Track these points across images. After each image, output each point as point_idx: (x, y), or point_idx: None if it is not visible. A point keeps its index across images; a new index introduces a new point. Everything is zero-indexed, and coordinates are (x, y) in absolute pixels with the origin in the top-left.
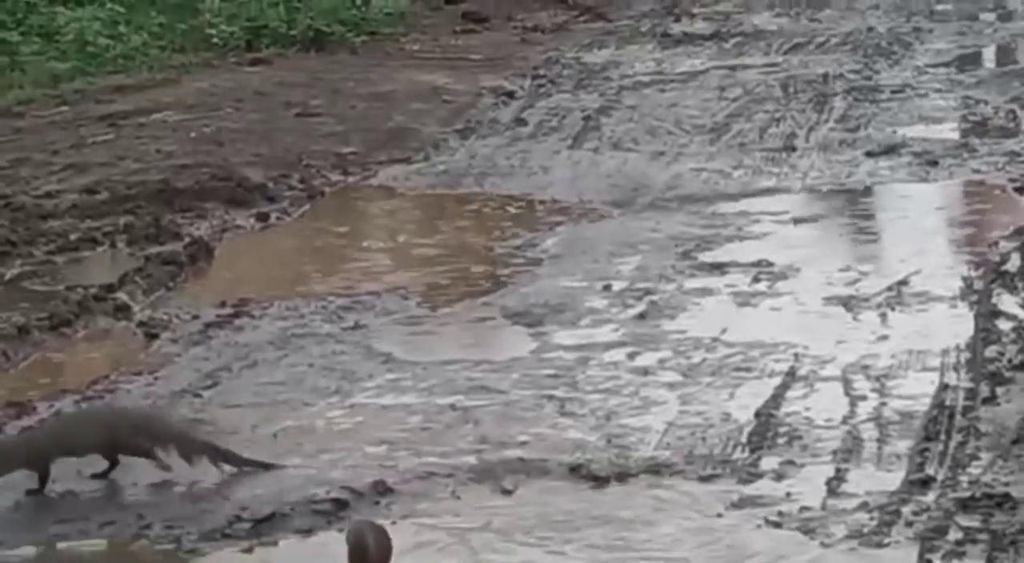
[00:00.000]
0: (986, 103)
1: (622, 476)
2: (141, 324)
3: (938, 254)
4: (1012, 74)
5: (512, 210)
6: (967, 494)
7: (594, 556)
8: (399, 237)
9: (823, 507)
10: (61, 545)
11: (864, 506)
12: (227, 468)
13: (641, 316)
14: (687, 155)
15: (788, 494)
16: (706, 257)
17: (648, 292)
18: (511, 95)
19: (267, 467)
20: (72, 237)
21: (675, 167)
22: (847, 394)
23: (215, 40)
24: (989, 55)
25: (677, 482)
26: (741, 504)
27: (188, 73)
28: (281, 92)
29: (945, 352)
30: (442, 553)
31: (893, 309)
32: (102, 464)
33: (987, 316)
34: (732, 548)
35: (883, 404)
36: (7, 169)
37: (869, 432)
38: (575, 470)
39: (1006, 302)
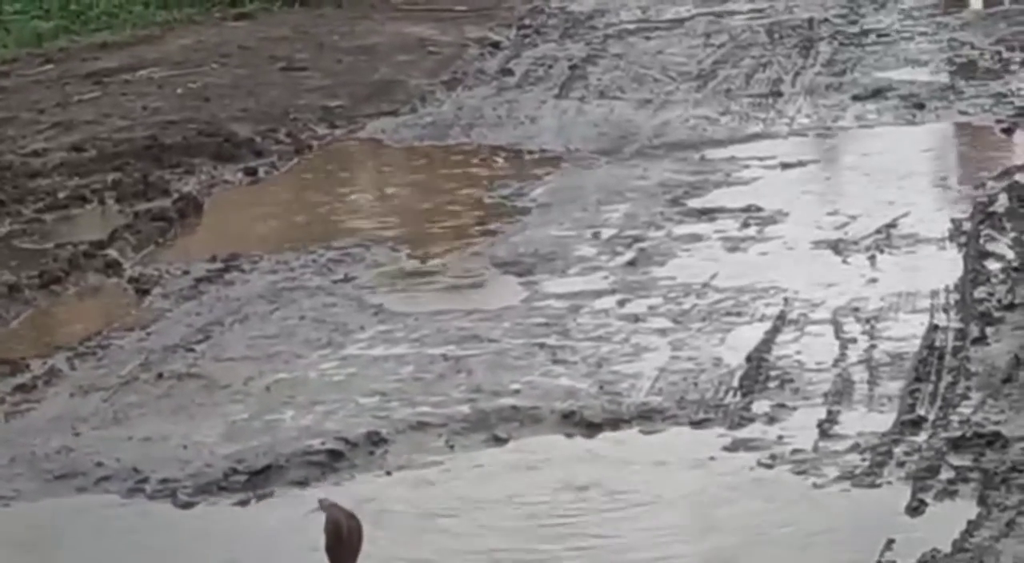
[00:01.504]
0: (972, 46)
1: (615, 422)
2: (132, 280)
3: (926, 196)
4: (998, 16)
5: (500, 160)
6: (958, 434)
7: (588, 502)
8: (387, 189)
9: (815, 449)
10: (57, 500)
11: (856, 447)
12: None
13: (631, 263)
14: (674, 102)
15: (780, 437)
16: (695, 203)
17: (637, 239)
18: (497, 46)
19: None
20: (61, 195)
21: (662, 114)
22: (838, 337)
23: None
24: None
25: (669, 427)
26: (733, 447)
27: (172, 29)
28: (266, 47)
29: (934, 293)
30: (438, 502)
31: (882, 252)
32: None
33: (976, 257)
34: (725, 490)
35: (873, 346)
36: None
37: (860, 374)
38: (568, 417)
39: (994, 243)
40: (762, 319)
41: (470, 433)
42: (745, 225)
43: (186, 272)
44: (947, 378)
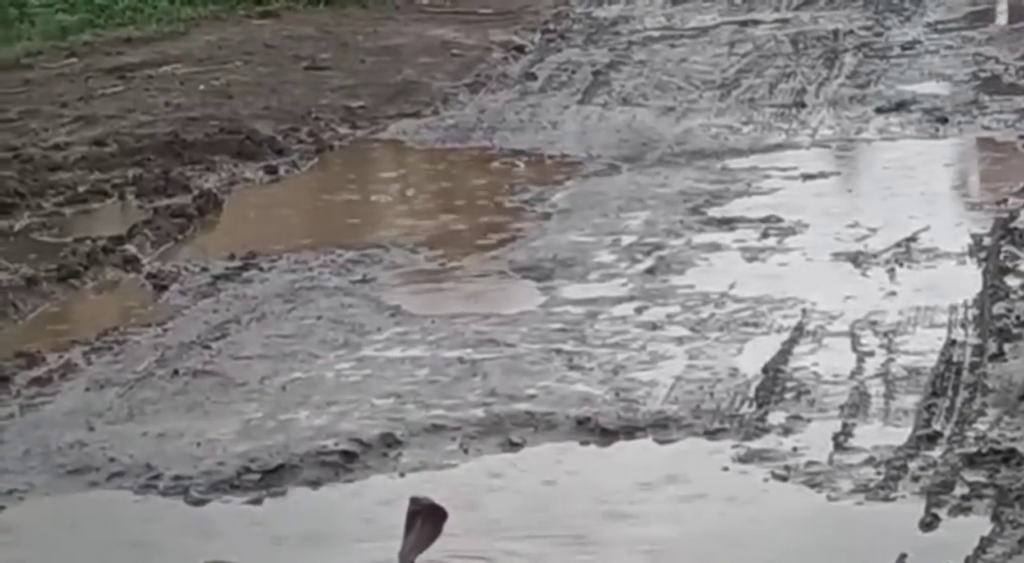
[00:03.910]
0: (997, 60)
1: (629, 430)
2: (150, 276)
3: (947, 210)
4: (1023, 31)
5: (521, 164)
6: (973, 450)
7: (600, 509)
8: (408, 191)
9: (830, 462)
10: (69, 495)
11: (871, 461)
12: None
13: (649, 271)
14: (696, 110)
15: (795, 449)
16: (715, 212)
17: (657, 247)
18: (521, 50)
19: None
20: (81, 189)
21: (684, 122)
22: (855, 350)
23: None
24: (1001, 12)
25: (684, 436)
26: (748, 458)
27: (197, 26)
28: (290, 45)
29: (953, 308)
30: (450, 506)
31: (901, 265)
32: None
33: (995, 273)
34: (737, 501)
35: (890, 360)
36: (16, 121)
37: (876, 388)
38: (583, 423)
39: (1015, 259)
40: (780, 330)
41: (484, 437)
42: (765, 235)
43: (204, 269)
44: (964, 394)
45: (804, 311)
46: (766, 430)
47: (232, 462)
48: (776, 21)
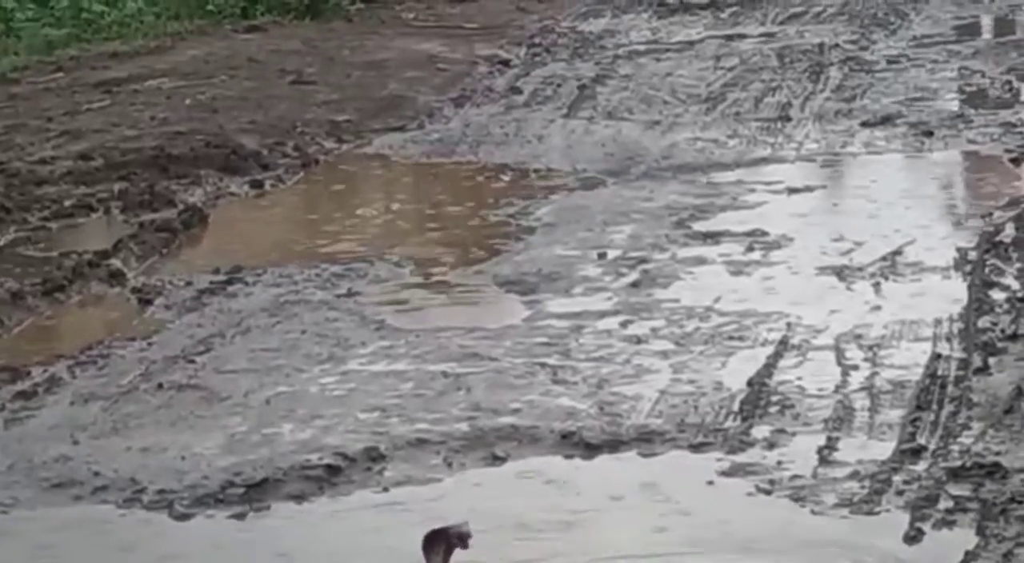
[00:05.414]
0: (983, 74)
1: (614, 444)
2: (135, 290)
3: (932, 224)
4: (1009, 45)
5: (506, 178)
6: (958, 463)
7: (584, 522)
8: (393, 205)
9: (814, 475)
10: (53, 509)
11: (855, 475)
12: None
13: (634, 285)
14: (682, 124)
15: (779, 462)
16: (700, 226)
17: (642, 261)
18: (506, 64)
19: None
20: (66, 203)
21: (670, 136)
22: (839, 363)
23: (210, 7)
24: (987, 26)
25: (668, 450)
26: (732, 472)
27: (183, 40)
28: (276, 60)
29: (938, 322)
30: (433, 520)
31: (886, 279)
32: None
33: (980, 286)
34: (722, 516)
35: (875, 374)
36: (2, 135)
37: (861, 401)
38: (567, 437)
39: (1000, 273)
40: (764, 344)
41: (468, 451)
42: (750, 249)
43: (189, 283)
44: (948, 407)
45: (789, 325)
46: (751, 444)
47: (216, 476)
48: (762, 35)
